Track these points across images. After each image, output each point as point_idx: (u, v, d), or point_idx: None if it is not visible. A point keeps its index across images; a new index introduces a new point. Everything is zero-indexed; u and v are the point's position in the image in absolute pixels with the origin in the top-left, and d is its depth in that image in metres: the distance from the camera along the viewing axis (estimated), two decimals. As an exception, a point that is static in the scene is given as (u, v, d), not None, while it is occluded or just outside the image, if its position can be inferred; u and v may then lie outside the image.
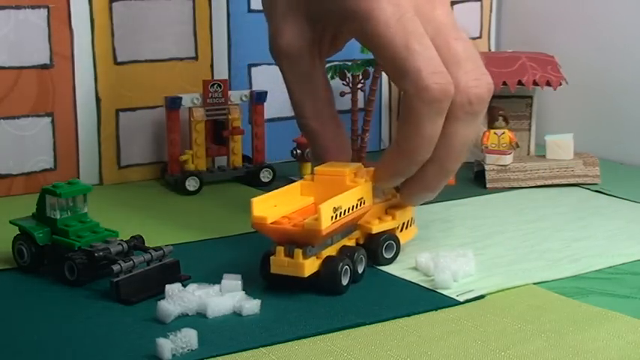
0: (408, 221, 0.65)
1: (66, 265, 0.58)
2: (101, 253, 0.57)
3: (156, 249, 0.58)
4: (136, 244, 0.60)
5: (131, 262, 0.56)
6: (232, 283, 0.55)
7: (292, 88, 0.63)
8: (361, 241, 0.61)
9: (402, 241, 0.63)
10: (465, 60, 0.57)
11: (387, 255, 0.62)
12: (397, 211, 0.63)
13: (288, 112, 0.98)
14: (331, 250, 0.57)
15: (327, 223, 0.53)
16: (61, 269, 0.58)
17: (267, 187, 0.85)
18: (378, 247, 0.61)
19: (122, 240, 0.60)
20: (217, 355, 0.47)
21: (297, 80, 0.63)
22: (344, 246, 0.58)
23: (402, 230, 0.63)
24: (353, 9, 0.56)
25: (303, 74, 0.62)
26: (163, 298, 0.53)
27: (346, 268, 0.56)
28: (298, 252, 0.54)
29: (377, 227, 0.61)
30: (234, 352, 0.47)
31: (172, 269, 0.58)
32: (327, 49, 0.64)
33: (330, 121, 0.64)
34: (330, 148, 0.63)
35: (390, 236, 0.62)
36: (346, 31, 0.61)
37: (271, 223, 0.55)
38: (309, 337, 0.50)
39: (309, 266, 0.54)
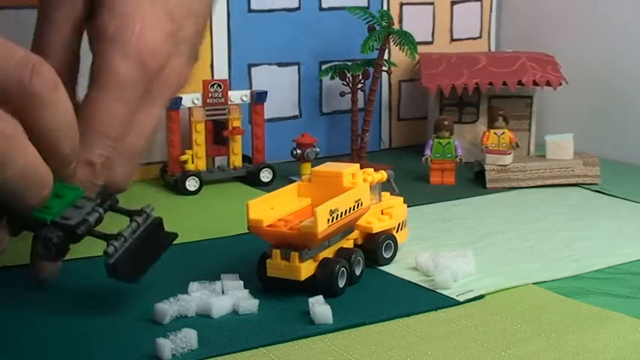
0: (402, 222, 0.64)
1: (40, 242, 0.51)
2: (82, 228, 0.51)
3: (138, 213, 0.54)
4: (111, 203, 0.55)
5: (122, 238, 0.52)
6: (235, 282, 0.55)
7: None
8: (360, 242, 0.61)
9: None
10: None
11: (386, 255, 0.62)
12: (393, 211, 0.63)
13: (288, 112, 0.99)
14: (328, 252, 0.57)
15: (323, 227, 0.53)
16: (32, 247, 0.53)
17: (267, 187, 0.85)
18: (377, 247, 0.61)
19: (94, 203, 0.53)
20: (217, 355, 0.47)
21: None
22: (341, 248, 0.58)
23: (397, 231, 0.63)
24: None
25: None
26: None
27: (343, 270, 0.56)
28: (295, 255, 0.54)
29: (377, 227, 0.61)
30: (234, 352, 0.47)
31: (158, 230, 0.55)
32: None
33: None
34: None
35: (389, 236, 0.62)
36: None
37: (267, 226, 0.55)
38: (309, 337, 0.50)
39: (306, 269, 0.54)
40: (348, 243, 0.60)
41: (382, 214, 0.63)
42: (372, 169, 0.62)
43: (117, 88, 0.53)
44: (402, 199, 0.66)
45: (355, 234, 0.61)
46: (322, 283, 0.55)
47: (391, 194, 0.66)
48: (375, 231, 0.61)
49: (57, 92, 0.48)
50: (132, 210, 0.54)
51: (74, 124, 0.50)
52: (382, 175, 0.63)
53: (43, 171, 0.49)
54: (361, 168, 0.61)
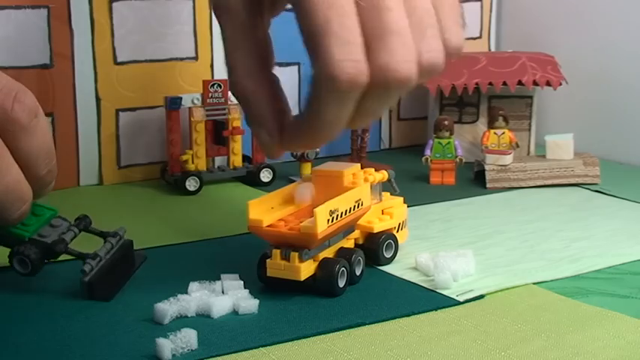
0: (402, 222, 0.64)
1: (17, 259, 0.55)
2: (60, 247, 0.55)
3: (112, 234, 0.58)
4: (85, 225, 0.58)
5: (98, 257, 0.55)
6: (235, 282, 0.55)
7: (227, 45, 0.54)
8: (360, 242, 0.61)
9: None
10: (393, 34, 0.48)
11: (387, 254, 0.62)
12: (394, 211, 0.63)
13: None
14: (328, 252, 0.57)
15: (323, 227, 0.53)
16: (9, 262, 0.55)
17: (267, 187, 0.85)
18: (378, 247, 0.61)
19: (69, 223, 0.57)
20: (217, 355, 0.47)
21: (233, 35, 0.54)
22: (342, 248, 0.58)
23: (397, 231, 0.63)
24: None
25: (239, 29, 0.54)
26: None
27: (343, 270, 0.56)
28: (294, 255, 0.54)
29: (378, 226, 0.61)
30: (234, 352, 0.47)
31: (129, 251, 0.58)
32: (269, 9, 0.56)
33: (264, 81, 0.54)
34: (266, 113, 0.53)
35: (390, 235, 0.62)
36: None
37: (267, 226, 0.55)
38: (309, 337, 0.50)
39: (305, 270, 0.54)
40: (348, 243, 0.60)
41: (383, 213, 0.63)
42: (373, 169, 0.62)
43: None
44: (402, 199, 0.66)
45: (356, 234, 0.61)
46: (322, 284, 0.55)
47: (391, 194, 0.66)
48: (376, 231, 0.61)
49: (36, 119, 0.52)
50: (105, 231, 0.58)
51: (51, 149, 0.54)
52: (383, 174, 0.63)
53: (24, 187, 0.52)
54: (362, 168, 0.61)
